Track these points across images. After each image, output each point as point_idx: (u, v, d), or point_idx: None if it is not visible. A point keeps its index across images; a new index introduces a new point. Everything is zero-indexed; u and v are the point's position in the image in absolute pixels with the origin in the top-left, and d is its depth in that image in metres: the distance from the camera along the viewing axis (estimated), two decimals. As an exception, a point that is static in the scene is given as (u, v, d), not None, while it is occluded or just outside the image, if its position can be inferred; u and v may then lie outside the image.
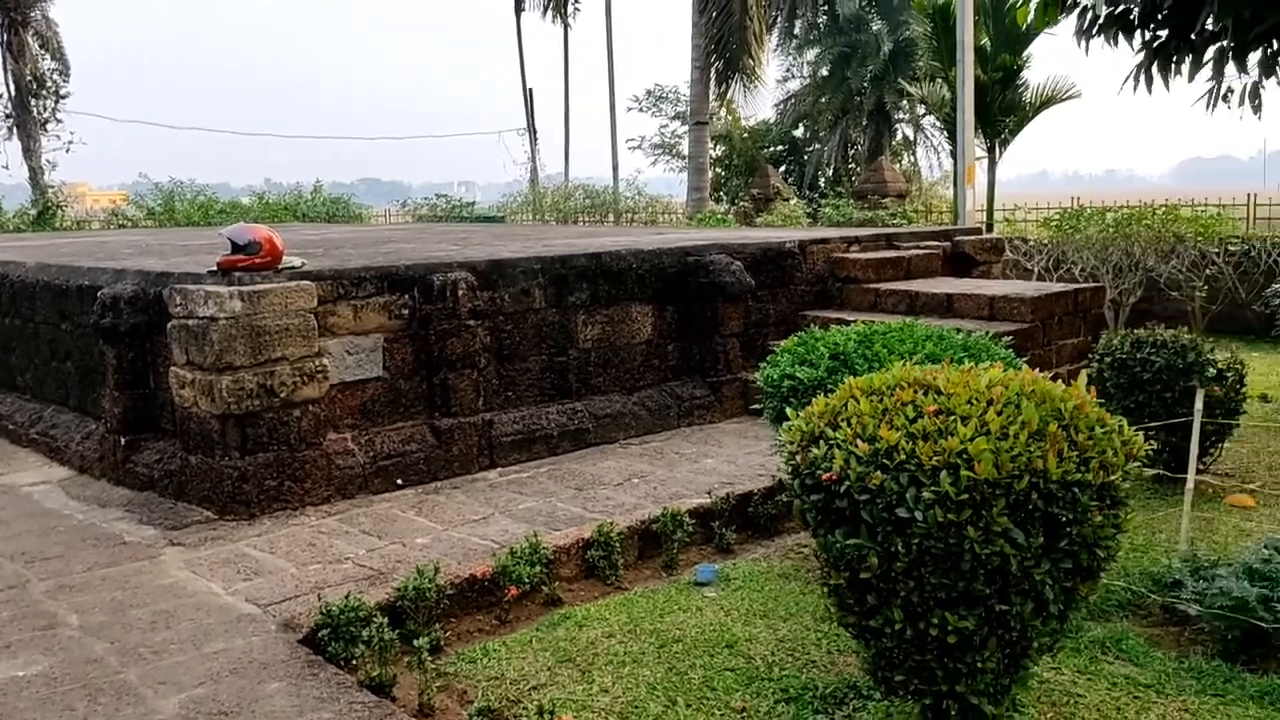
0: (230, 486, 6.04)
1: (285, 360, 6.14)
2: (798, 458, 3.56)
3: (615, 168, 27.43)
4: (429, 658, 4.15)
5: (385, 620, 4.36)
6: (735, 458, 7.18)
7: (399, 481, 6.64)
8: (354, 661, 4.24)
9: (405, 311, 6.90)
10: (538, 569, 5.03)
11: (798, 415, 3.72)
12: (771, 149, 30.00)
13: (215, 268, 6.26)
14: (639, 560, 5.60)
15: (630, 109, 33.71)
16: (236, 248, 6.22)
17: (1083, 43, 6.24)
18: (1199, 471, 5.63)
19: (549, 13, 29.92)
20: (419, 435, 6.87)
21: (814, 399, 3.76)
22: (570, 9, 30.13)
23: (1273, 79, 5.68)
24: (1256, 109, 5.74)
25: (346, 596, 4.51)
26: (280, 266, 6.38)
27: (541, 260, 7.66)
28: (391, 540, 5.64)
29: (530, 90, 30.69)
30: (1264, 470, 7.07)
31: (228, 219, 20.66)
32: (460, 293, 6.90)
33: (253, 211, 23.00)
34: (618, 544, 5.39)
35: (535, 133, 30.39)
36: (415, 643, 4.21)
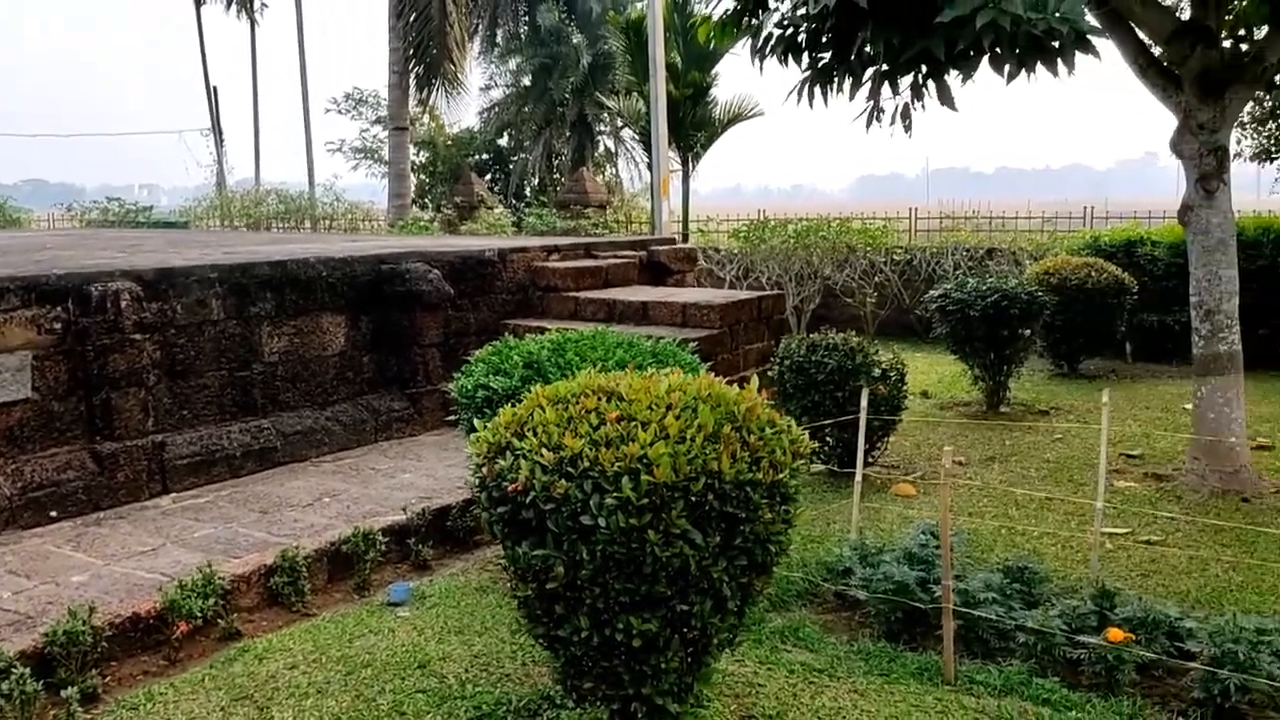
0: None
1: (-94, 382, 5.38)
2: (484, 469, 3.49)
3: (311, 172, 26.30)
4: (81, 709, 3.74)
5: (28, 670, 3.88)
6: (435, 471, 7.01)
7: (53, 514, 5.96)
8: (-10, 721, 3.75)
9: (58, 326, 6.22)
10: (212, 601, 4.65)
11: (486, 426, 3.64)
12: (477, 157, 29.81)
13: None
14: (329, 584, 5.33)
15: (329, 111, 32.43)
16: None
17: (758, 62, 6.61)
18: (867, 464, 6.07)
19: (233, 6, 28.26)
20: (77, 461, 6.21)
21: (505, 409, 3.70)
22: (257, 4, 28.61)
23: (920, 102, 6.23)
24: (907, 128, 6.27)
25: (-20, 649, 3.98)
26: (-101, 275, 5.58)
27: (219, 268, 7.16)
28: (42, 580, 5.04)
29: (215, 88, 28.92)
30: (924, 461, 7.73)
31: None
32: (124, 304, 6.31)
33: (-118, 214, 20.20)
34: (305, 568, 5.09)
35: (221, 133, 28.66)
36: (64, 693, 3.77)
